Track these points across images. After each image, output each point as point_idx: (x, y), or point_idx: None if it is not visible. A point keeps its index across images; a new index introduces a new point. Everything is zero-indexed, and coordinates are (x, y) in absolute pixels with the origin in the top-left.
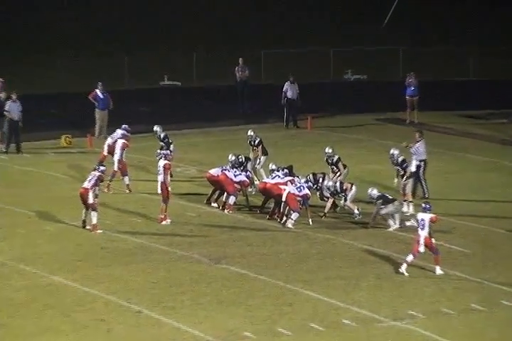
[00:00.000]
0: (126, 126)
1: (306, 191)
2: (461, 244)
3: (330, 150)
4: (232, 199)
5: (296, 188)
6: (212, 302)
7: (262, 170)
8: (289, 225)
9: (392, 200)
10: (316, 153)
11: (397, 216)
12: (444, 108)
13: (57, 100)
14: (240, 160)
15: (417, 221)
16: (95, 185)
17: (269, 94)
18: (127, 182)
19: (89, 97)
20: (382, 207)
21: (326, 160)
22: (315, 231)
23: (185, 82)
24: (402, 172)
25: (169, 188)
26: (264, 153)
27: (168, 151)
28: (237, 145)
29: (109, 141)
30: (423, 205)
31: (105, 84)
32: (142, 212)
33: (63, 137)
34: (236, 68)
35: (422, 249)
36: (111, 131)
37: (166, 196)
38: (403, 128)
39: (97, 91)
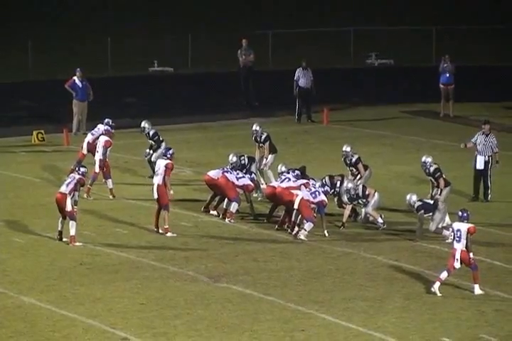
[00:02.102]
0: (109, 120)
1: (322, 197)
2: (505, 259)
3: (348, 149)
4: (234, 207)
5: (311, 193)
6: (211, 328)
7: (269, 172)
8: (302, 237)
9: (435, 206)
10: (333, 151)
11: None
12: (485, 98)
13: (28, 89)
14: (243, 161)
15: (453, 232)
16: (74, 189)
17: (278, 83)
18: (110, 186)
19: (66, 86)
20: (426, 216)
21: (344, 160)
22: (332, 244)
23: (179, 68)
24: (435, 184)
25: (171, 192)
26: (272, 151)
27: (166, 150)
28: (239, 142)
29: (90, 137)
30: (460, 213)
31: (84, 71)
32: (129, 222)
33: (35, 133)
34: (239, 51)
35: (458, 264)
36: (91, 126)
37: (166, 203)
38: (436, 122)
39: (75, 78)
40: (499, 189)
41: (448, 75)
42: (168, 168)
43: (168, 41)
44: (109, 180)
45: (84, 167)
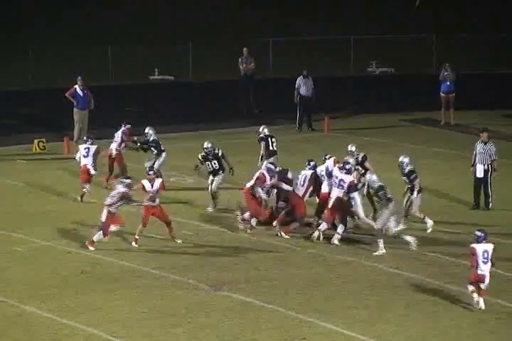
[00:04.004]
0: (129, 126)
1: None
2: (506, 267)
3: (353, 148)
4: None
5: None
6: (212, 337)
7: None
8: (336, 241)
9: (386, 204)
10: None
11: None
12: (485, 106)
13: (28, 98)
14: (216, 151)
15: (476, 254)
16: (116, 202)
17: (279, 91)
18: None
19: (67, 95)
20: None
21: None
22: (332, 252)
23: (179, 77)
24: (409, 186)
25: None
26: (223, 169)
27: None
28: (240, 150)
29: (114, 145)
30: (478, 233)
31: (86, 80)
32: (129, 230)
33: (36, 141)
34: (240, 60)
35: (483, 286)
36: (99, 133)
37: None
38: (437, 131)
39: (76, 87)
40: (500, 197)
41: (448, 83)
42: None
43: (169, 49)
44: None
45: (129, 178)
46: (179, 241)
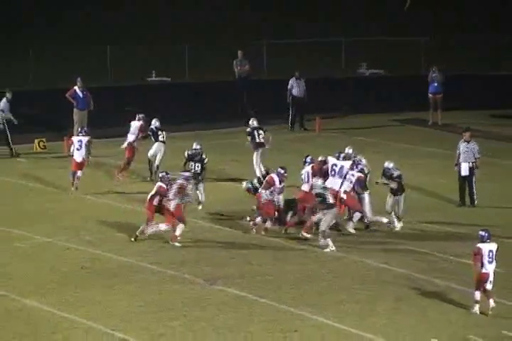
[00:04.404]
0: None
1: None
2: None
3: (350, 150)
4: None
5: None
6: (208, 329)
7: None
8: (351, 229)
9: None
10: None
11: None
12: (472, 107)
13: (29, 98)
14: (203, 156)
15: (481, 253)
16: (176, 193)
17: (272, 92)
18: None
19: (67, 96)
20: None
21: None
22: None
23: (177, 78)
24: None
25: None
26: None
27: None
28: (235, 150)
29: (131, 138)
30: (482, 233)
31: (85, 80)
32: (127, 227)
33: (36, 141)
34: (234, 62)
35: (490, 286)
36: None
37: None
38: (425, 130)
39: (76, 88)
40: (485, 194)
41: (436, 85)
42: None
43: (167, 50)
44: (80, 171)
45: (189, 171)
46: (178, 244)
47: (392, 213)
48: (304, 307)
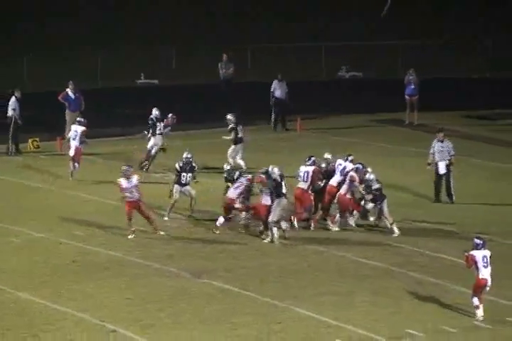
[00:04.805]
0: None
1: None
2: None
3: (329, 156)
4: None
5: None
6: (193, 321)
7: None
8: (351, 222)
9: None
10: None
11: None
12: (447, 108)
13: (23, 100)
14: (194, 164)
15: (474, 260)
16: (241, 193)
17: (255, 94)
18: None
19: (59, 98)
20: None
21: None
22: (305, 242)
23: (164, 80)
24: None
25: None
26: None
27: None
28: (221, 149)
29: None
30: (477, 241)
31: (76, 83)
32: (116, 223)
33: (30, 141)
34: (219, 65)
35: (487, 289)
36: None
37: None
38: (402, 130)
39: (68, 91)
40: (460, 191)
41: (413, 87)
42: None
43: (155, 53)
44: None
45: (131, 166)
46: (162, 232)
47: (386, 222)
48: (286, 300)
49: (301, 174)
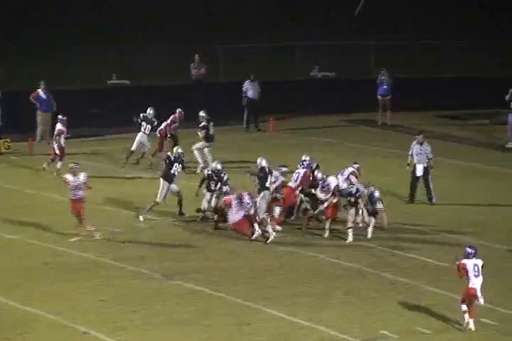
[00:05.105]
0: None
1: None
2: (438, 256)
3: (307, 158)
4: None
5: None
6: (166, 322)
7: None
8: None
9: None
10: (279, 157)
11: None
12: (419, 108)
13: None
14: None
15: (465, 268)
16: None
17: (228, 94)
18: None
19: (31, 98)
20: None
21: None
22: (278, 243)
23: (136, 81)
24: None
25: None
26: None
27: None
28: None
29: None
30: (468, 250)
31: (47, 83)
32: (89, 223)
33: (1, 142)
34: (191, 65)
35: (482, 300)
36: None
37: None
38: (375, 131)
39: (39, 91)
40: (438, 192)
41: (385, 87)
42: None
43: (126, 55)
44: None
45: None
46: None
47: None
48: (259, 301)
49: (294, 174)
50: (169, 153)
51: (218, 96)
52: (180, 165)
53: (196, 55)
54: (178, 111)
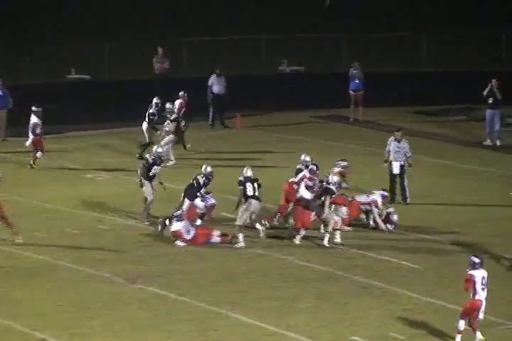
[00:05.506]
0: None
1: None
2: (412, 259)
3: (307, 158)
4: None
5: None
6: (127, 328)
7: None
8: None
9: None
10: (246, 155)
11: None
12: (393, 103)
13: None
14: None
15: (473, 280)
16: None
17: (192, 89)
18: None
19: None
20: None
21: (299, 169)
22: (246, 245)
23: (96, 75)
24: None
25: None
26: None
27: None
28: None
29: None
30: (475, 260)
31: (4, 80)
32: (47, 225)
33: None
34: (154, 59)
35: (482, 316)
36: (12, 132)
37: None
38: (346, 127)
39: None
40: (412, 191)
41: (357, 81)
42: None
43: (86, 49)
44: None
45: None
46: (19, 239)
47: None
48: (225, 306)
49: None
50: (148, 156)
51: (182, 91)
52: (159, 167)
53: (159, 48)
54: (180, 94)
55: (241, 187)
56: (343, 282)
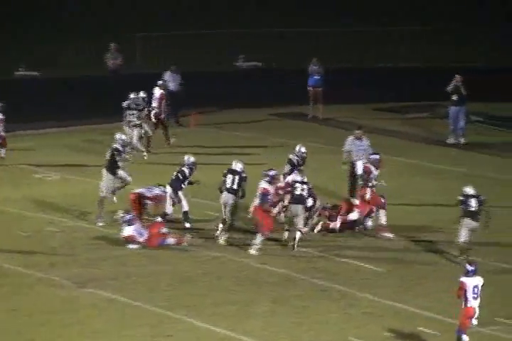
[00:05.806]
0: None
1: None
2: (373, 261)
3: (303, 149)
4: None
5: None
6: (78, 334)
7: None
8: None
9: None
10: (201, 155)
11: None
12: (354, 100)
13: None
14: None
15: (464, 288)
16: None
17: (145, 86)
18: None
19: None
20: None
21: (297, 162)
22: (201, 247)
23: (46, 72)
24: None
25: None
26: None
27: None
28: (104, 146)
29: None
30: (469, 268)
31: None
32: None
33: None
34: (107, 55)
35: (475, 322)
36: None
37: None
38: (305, 125)
39: None
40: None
41: (317, 78)
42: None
43: (35, 44)
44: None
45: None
46: None
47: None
48: (179, 310)
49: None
50: (117, 145)
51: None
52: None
53: (112, 45)
54: (159, 83)
55: (223, 178)
56: (301, 285)
